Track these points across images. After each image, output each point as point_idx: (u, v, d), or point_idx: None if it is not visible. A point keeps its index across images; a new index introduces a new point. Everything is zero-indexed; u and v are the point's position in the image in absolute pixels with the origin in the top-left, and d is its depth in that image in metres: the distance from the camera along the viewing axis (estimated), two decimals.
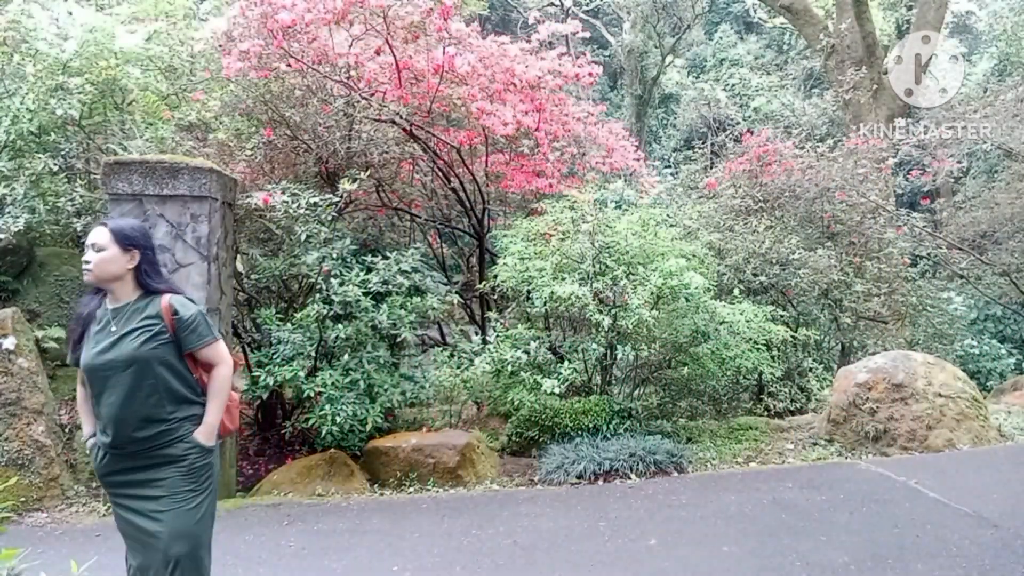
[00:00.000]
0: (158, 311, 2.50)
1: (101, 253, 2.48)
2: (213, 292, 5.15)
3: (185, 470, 2.46)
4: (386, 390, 5.38)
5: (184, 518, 2.43)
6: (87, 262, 2.47)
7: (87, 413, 2.57)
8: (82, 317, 2.52)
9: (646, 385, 6.34)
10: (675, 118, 21.57)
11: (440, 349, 6.26)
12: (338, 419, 4.99)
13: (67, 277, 5.78)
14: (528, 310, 5.71)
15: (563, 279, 5.45)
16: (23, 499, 4.73)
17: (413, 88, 6.11)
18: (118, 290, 2.51)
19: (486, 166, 6.74)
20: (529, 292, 5.55)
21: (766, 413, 6.96)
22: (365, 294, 5.28)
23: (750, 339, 5.74)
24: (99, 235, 2.51)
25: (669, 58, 20.97)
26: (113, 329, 2.45)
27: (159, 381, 2.45)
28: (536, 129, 6.42)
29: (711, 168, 9.52)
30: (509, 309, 6.18)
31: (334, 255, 5.40)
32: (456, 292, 6.39)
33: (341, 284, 5.25)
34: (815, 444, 5.85)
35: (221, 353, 2.62)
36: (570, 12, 18.32)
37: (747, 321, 5.65)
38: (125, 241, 2.51)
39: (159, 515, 2.41)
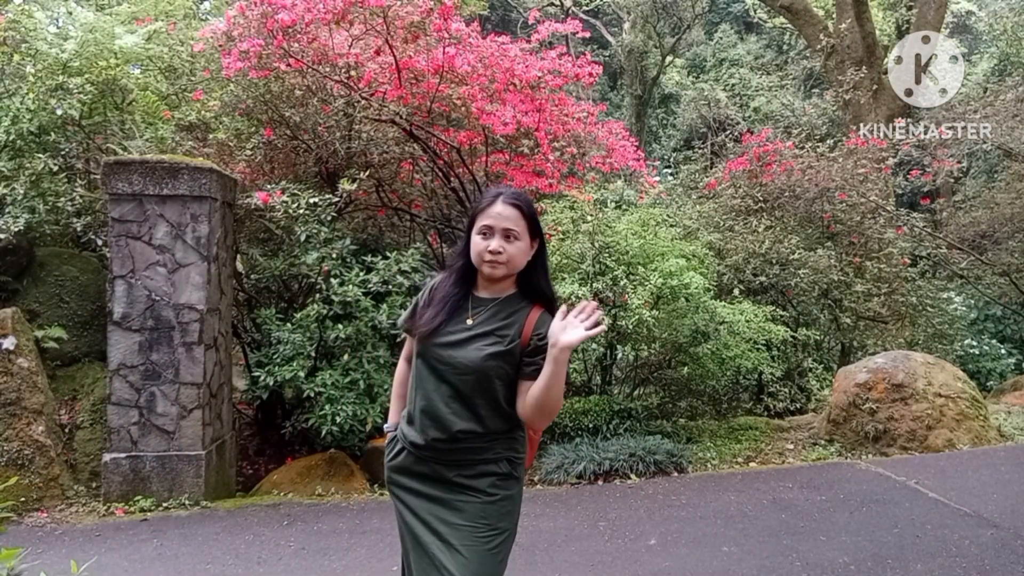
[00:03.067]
0: (521, 323, 1.96)
1: (517, 244, 1.94)
2: (213, 292, 5.15)
3: (492, 499, 1.97)
4: (386, 390, 5.38)
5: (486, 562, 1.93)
6: (498, 252, 1.91)
7: (399, 397, 2.19)
8: (447, 295, 2.00)
9: (646, 385, 6.34)
10: (675, 118, 21.57)
11: None
12: (338, 419, 4.99)
13: (67, 277, 5.77)
14: None
15: (563, 279, 5.45)
16: (23, 499, 4.73)
17: (413, 88, 6.10)
18: (502, 282, 2.00)
19: (486, 166, 6.73)
20: None
21: (766, 413, 6.96)
22: (365, 294, 5.28)
23: (750, 339, 5.74)
24: (512, 218, 1.93)
25: (669, 58, 20.98)
26: (469, 323, 1.96)
27: (490, 392, 1.94)
28: (536, 129, 6.42)
29: (711, 168, 9.52)
30: None
31: (334, 255, 5.40)
32: None
33: (341, 284, 5.25)
34: (815, 444, 5.85)
35: None
36: (570, 12, 18.31)
37: (747, 321, 5.66)
38: (535, 228, 1.98)
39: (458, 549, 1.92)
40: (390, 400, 2.26)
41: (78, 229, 5.61)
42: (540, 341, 1.91)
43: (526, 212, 1.95)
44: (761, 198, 7.75)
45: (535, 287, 2.02)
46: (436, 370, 1.96)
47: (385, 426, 2.21)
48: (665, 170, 15.13)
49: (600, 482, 5.04)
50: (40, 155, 5.61)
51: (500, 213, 1.92)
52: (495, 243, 1.91)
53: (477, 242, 1.95)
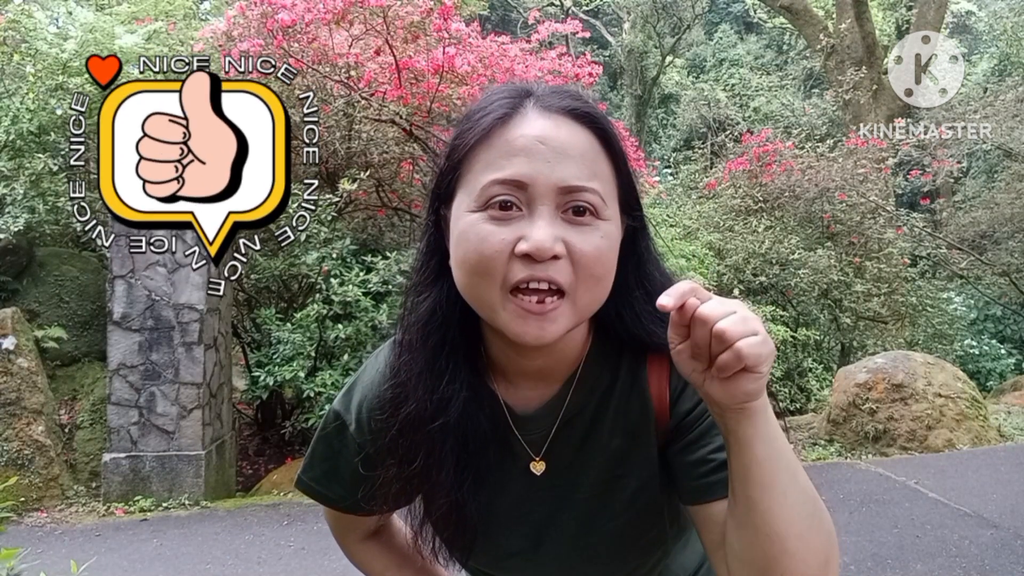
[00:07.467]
0: (646, 404, 0.83)
1: (602, 228, 0.74)
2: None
3: None
4: None
5: None
6: (553, 255, 0.70)
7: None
8: (439, 432, 0.82)
9: None
10: (675, 118, 21.55)
11: None
12: None
13: (67, 277, 5.77)
14: None
15: None
16: (23, 499, 4.73)
17: (413, 88, 6.11)
18: (557, 351, 0.81)
19: None
20: None
21: None
22: (365, 294, 5.28)
23: None
24: (578, 152, 0.74)
25: (669, 58, 20.97)
26: (538, 471, 0.85)
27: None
28: None
29: (711, 168, 9.52)
30: None
31: (334, 255, 5.40)
32: None
33: (341, 284, 5.25)
34: (815, 444, 5.85)
35: None
36: (570, 12, 18.31)
37: None
38: (627, 181, 0.84)
39: None
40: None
41: (78, 229, 5.61)
42: (679, 418, 0.84)
43: (608, 136, 0.79)
44: (761, 198, 7.76)
45: (635, 319, 0.82)
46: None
47: None
48: (665, 170, 15.13)
49: None
50: (40, 155, 5.61)
51: (541, 138, 0.73)
52: (541, 231, 0.71)
53: (482, 234, 0.73)
